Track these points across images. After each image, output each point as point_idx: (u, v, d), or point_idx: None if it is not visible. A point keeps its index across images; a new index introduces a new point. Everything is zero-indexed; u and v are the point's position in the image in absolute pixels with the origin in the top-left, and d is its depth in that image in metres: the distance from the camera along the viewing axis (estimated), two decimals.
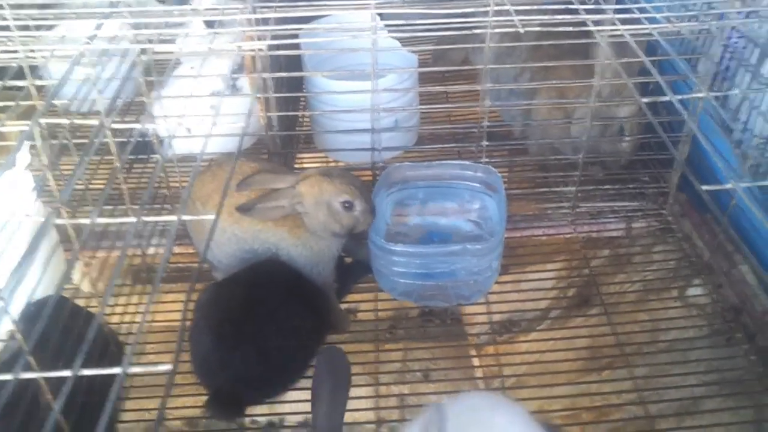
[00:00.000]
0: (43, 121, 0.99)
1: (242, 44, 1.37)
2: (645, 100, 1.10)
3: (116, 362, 1.42)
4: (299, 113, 2.17)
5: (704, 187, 0.87)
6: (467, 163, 1.73)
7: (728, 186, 0.84)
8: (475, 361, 1.77)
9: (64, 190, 0.95)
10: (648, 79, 1.28)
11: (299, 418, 1.56)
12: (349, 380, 1.26)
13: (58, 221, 1.17)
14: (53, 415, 0.68)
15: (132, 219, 0.83)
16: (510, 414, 1.11)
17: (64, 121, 1.10)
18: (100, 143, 1.53)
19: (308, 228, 1.51)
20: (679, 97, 1.04)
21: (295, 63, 1.99)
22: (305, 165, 2.09)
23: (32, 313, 1.32)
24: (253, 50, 1.53)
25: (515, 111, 2.03)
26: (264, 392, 1.42)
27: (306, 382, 1.39)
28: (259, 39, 1.45)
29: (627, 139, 1.81)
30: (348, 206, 1.47)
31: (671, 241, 1.83)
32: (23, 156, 1.52)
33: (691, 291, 1.71)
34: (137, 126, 1.26)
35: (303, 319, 1.44)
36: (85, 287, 1.62)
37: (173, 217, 0.84)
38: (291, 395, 1.47)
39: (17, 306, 1.31)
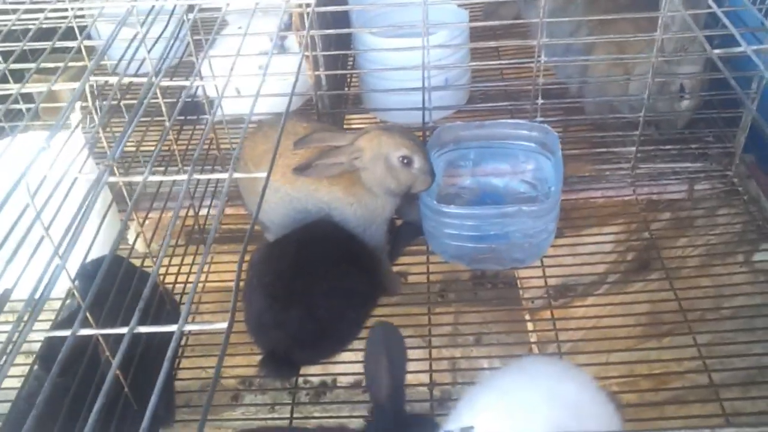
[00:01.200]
0: (92, 80, 0.97)
1: (289, 1, 1.33)
2: (718, 51, 1.03)
3: (172, 321, 1.45)
4: (348, 72, 2.13)
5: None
6: (522, 122, 1.67)
7: None
8: (530, 326, 1.74)
9: (114, 148, 0.93)
10: (717, 32, 1.20)
11: (351, 378, 1.56)
12: (405, 357, 1.22)
13: (111, 179, 1.17)
14: (112, 371, 0.67)
15: (183, 177, 0.81)
16: (577, 382, 1.08)
17: (113, 79, 1.08)
18: (149, 104, 1.53)
19: (365, 184, 1.48)
20: (755, 47, 0.97)
21: (344, 21, 1.94)
22: (354, 126, 2.06)
23: (89, 272, 1.33)
24: (300, 7, 1.49)
25: (571, 68, 1.95)
26: (317, 353, 1.41)
27: (359, 344, 1.39)
28: None
29: (687, 98, 1.72)
30: (406, 162, 1.44)
31: (737, 203, 1.75)
32: (75, 116, 1.52)
33: (758, 256, 1.63)
34: (186, 84, 1.24)
35: (355, 280, 1.43)
36: (140, 247, 1.63)
37: (225, 175, 0.82)
38: (343, 356, 1.47)
39: (74, 265, 1.33)
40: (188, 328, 0.67)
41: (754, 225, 1.68)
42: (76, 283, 1.31)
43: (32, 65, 1.15)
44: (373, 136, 1.45)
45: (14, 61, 1.21)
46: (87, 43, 1.55)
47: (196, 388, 1.53)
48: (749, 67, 1.60)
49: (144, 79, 1.10)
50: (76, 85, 1.04)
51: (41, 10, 1.33)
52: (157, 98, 1.44)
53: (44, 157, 1.05)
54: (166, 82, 1.17)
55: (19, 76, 1.32)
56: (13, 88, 1.14)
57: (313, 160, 1.43)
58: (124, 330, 0.80)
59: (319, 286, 1.37)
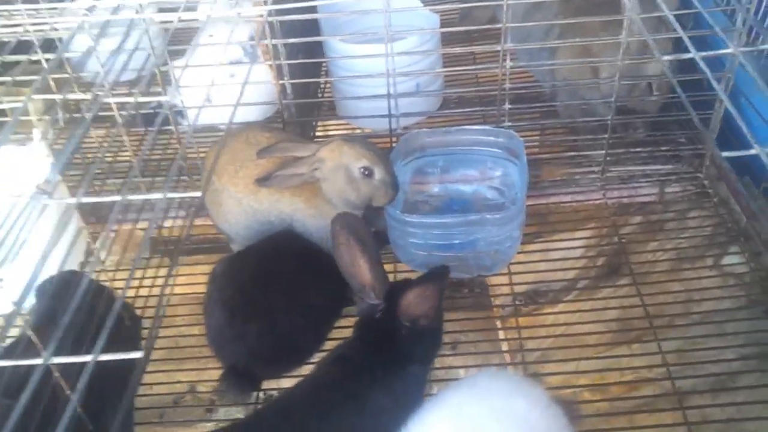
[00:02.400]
0: (36, 97, 0.96)
1: (243, 10, 1.32)
2: (667, 57, 1.02)
3: (131, 337, 1.44)
4: (319, 80, 2.12)
5: (724, 154, 0.79)
6: (488, 128, 1.66)
7: (753, 152, 0.76)
8: (501, 334, 1.73)
9: (56, 164, 0.93)
10: (673, 35, 1.19)
11: None
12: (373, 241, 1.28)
13: (68, 200, 1.16)
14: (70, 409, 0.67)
15: (159, 195, 0.80)
16: (528, 397, 1.07)
17: (58, 97, 1.08)
18: (120, 115, 1.53)
19: (325, 196, 1.47)
20: (704, 54, 0.96)
21: (314, 28, 1.93)
22: (331, 133, 2.05)
23: (47, 290, 1.33)
24: (260, 16, 1.48)
25: (545, 70, 1.94)
26: (278, 367, 1.40)
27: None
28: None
29: (655, 96, 1.71)
30: (367, 173, 1.43)
31: (707, 206, 1.74)
32: (36, 130, 1.51)
33: (728, 259, 1.62)
34: (146, 99, 1.23)
35: (318, 293, 1.41)
36: (107, 261, 1.63)
37: (197, 193, 0.82)
38: (307, 369, 1.46)
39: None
40: (102, 358, 0.66)
41: (723, 227, 1.67)
42: (31, 302, 1.32)
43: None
44: (334, 147, 1.44)
45: None
46: (55, 55, 1.55)
47: (169, 402, 1.53)
48: (718, 69, 1.59)
49: (86, 96, 1.09)
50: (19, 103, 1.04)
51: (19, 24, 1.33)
52: (125, 110, 1.44)
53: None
54: (120, 98, 1.16)
55: None
56: None
57: (274, 171, 1.42)
58: (79, 359, 0.79)
59: (280, 299, 1.36)
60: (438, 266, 1.26)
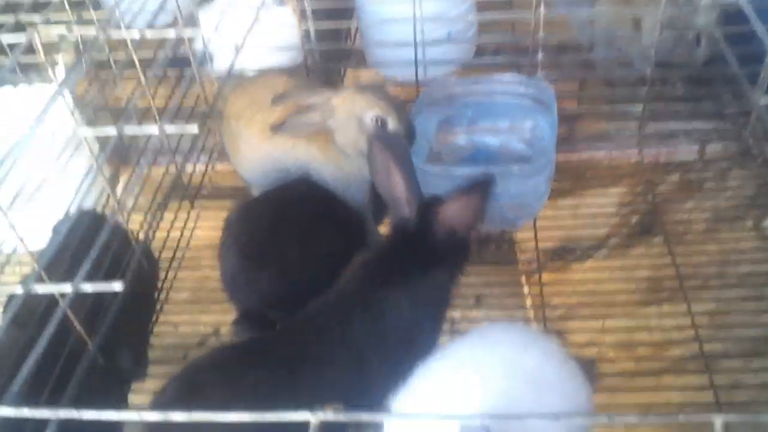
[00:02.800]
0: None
1: None
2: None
3: (148, 278, 1.44)
4: (343, 26, 2.05)
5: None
6: (519, 77, 1.59)
7: None
8: (525, 289, 1.69)
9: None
10: None
11: None
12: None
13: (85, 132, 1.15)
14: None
15: (154, 128, 0.78)
16: (540, 351, 1.03)
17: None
18: (146, 58, 1.51)
19: (339, 146, 1.43)
20: None
21: None
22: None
23: (65, 227, 1.34)
24: None
25: (584, 20, 1.84)
26: (291, 313, 1.39)
27: None
28: None
29: (702, 49, 1.61)
30: (380, 123, 1.38)
31: (750, 166, 1.66)
32: (60, 69, 1.51)
33: None
34: (172, 36, 1.20)
35: (333, 240, 1.38)
36: (128, 202, 1.63)
37: (194, 127, 0.79)
38: None
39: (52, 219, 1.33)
40: (84, 287, 0.65)
41: (766, 189, 1.58)
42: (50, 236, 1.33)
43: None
44: (346, 96, 1.39)
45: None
46: None
47: (193, 344, 1.54)
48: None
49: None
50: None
51: None
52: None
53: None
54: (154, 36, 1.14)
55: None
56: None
57: (288, 118, 1.39)
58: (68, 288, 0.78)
59: (293, 246, 1.34)
60: (482, 175, 1.21)
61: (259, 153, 1.48)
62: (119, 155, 1.66)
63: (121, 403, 1.27)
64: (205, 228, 1.69)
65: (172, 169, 1.70)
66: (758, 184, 1.61)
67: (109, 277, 1.09)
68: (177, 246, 1.61)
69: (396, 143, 1.28)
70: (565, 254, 1.68)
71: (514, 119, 1.61)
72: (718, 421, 0.51)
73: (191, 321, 1.55)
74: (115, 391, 1.26)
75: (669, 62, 1.69)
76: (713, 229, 1.56)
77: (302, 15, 1.60)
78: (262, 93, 1.45)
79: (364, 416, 0.52)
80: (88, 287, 0.84)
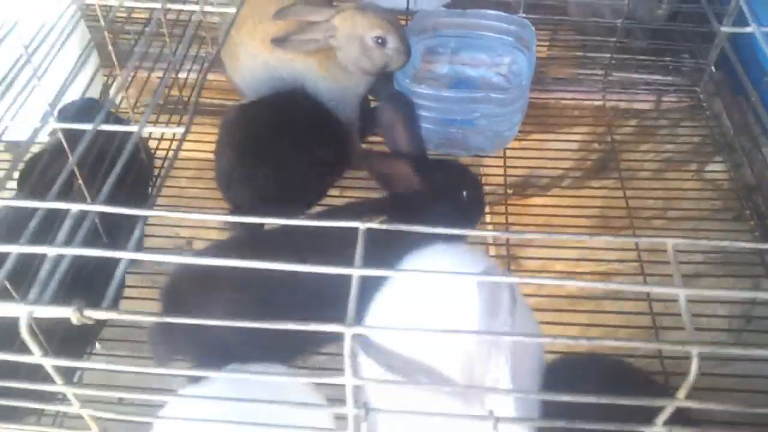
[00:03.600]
0: None
1: None
2: None
3: (146, 172, 1.51)
4: None
5: (723, 28, 0.86)
6: (503, 14, 1.70)
7: (749, 29, 0.83)
8: (487, 218, 1.82)
9: None
10: None
11: None
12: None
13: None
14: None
15: (157, 4, 0.85)
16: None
17: None
18: None
19: (340, 63, 1.52)
20: None
21: None
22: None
23: (68, 112, 1.39)
24: None
25: None
26: (282, 213, 1.48)
27: None
28: None
29: (664, 6, 1.76)
30: (380, 42, 1.47)
31: (699, 118, 1.81)
32: None
33: (710, 167, 1.71)
34: None
35: (322, 148, 1.49)
36: (122, 103, 1.67)
37: (196, 7, 0.87)
38: None
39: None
40: (147, 129, 0.73)
41: (711, 139, 1.76)
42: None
43: None
44: (347, 16, 1.47)
45: None
46: None
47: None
48: None
49: None
50: None
51: None
52: None
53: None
54: None
55: None
56: None
57: (291, 34, 1.46)
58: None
59: (287, 148, 1.44)
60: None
61: (258, 62, 1.55)
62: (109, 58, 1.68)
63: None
64: (189, 141, 1.73)
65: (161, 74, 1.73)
66: (704, 135, 1.77)
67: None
68: (165, 156, 1.66)
69: (405, 104, 1.42)
70: (527, 187, 1.83)
71: (494, 54, 1.73)
72: (670, 243, 0.65)
73: (167, 231, 1.60)
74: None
75: (634, 16, 1.83)
76: (662, 170, 1.72)
77: None
78: (265, 4, 1.51)
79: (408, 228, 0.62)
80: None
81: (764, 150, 1.64)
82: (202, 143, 1.63)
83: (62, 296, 0.59)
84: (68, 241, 0.63)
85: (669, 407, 0.63)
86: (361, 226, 0.63)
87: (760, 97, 1.60)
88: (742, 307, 1.53)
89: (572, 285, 0.67)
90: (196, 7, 0.89)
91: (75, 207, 0.65)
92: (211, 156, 1.52)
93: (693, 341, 0.60)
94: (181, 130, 0.78)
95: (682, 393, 0.61)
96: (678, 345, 0.61)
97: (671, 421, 0.64)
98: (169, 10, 0.91)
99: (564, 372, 1.07)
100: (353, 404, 0.63)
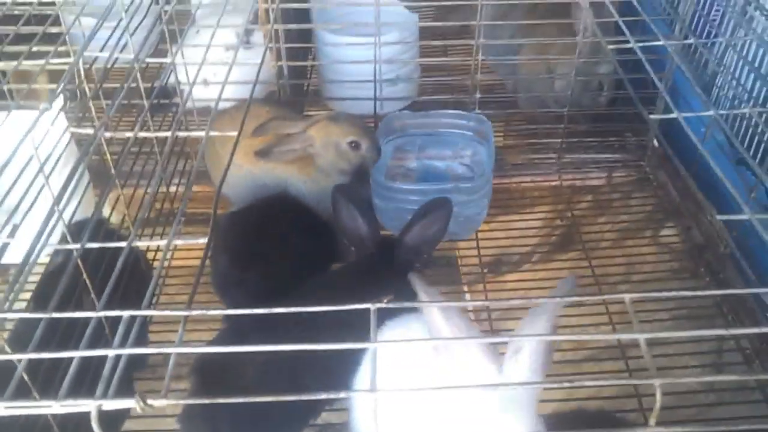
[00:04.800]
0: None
1: None
2: (611, 46, 1.25)
3: (145, 277, 1.60)
4: (308, 63, 2.31)
5: (653, 116, 1.02)
6: (461, 112, 1.89)
7: (672, 115, 0.99)
8: (468, 297, 1.94)
9: (108, 110, 1.10)
10: (621, 39, 1.41)
11: None
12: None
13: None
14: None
15: (163, 133, 0.98)
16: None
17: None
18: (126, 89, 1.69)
19: (319, 167, 1.67)
20: (642, 44, 1.19)
21: (306, 18, 2.13)
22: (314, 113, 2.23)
23: (73, 231, 1.49)
24: (266, 3, 1.67)
25: (509, 66, 2.18)
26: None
27: None
28: None
29: (605, 94, 1.97)
30: (355, 146, 1.64)
31: (648, 189, 2.00)
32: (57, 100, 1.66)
33: (664, 232, 1.88)
34: (165, 62, 1.39)
35: (309, 246, 1.61)
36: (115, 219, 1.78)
37: (201, 133, 1.00)
38: None
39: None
40: (176, 242, 0.84)
41: (661, 207, 1.94)
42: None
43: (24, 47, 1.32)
44: (322, 126, 1.65)
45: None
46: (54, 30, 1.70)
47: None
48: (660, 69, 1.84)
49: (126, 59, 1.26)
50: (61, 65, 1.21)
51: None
52: (137, 81, 1.60)
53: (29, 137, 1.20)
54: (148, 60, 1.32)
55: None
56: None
57: (272, 146, 1.62)
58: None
59: (276, 249, 1.55)
60: (439, 197, 1.51)
61: (242, 172, 1.70)
62: (101, 178, 1.80)
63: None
64: (178, 252, 1.80)
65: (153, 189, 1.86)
66: (654, 203, 1.96)
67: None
68: (162, 257, 1.74)
69: (356, 192, 1.57)
70: (500, 266, 1.96)
71: (456, 147, 1.90)
72: (627, 297, 0.77)
73: (163, 339, 1.66)
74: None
75: (579, 104, 2.04)
76: (621, 239, 1.88)
77: (278, 54, 1.84)
78: (246, 120, 1.67)
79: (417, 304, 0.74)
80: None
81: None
82: (192, 250, 1.74)
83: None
84: (122, 343, 0.73)
85: None
86: (372, 307, 0.74)
87: (698, 167, 1.79)
88: (710, 356, 1.65)
89: (553, 338, 0.78)
90: (201, 134, 1.02)
91: (127, 314, 0.75)
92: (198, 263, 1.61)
93: (654, 375, 0.71)
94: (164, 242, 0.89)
95: (652, 420, 0.72)
96: (644, 379, 0.72)
97: None
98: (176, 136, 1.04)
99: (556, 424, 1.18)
100: None
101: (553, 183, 2.05)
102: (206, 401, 0.74)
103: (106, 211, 1.84)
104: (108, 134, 1.02)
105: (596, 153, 2.08)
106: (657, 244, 1.85)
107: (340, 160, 1.65)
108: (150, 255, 1.75)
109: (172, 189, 1.90)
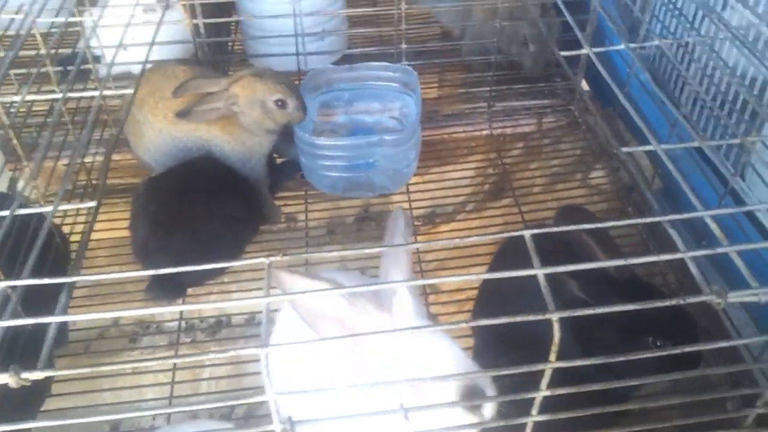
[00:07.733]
0: None
1: None
2: None
3: (61, 256, 1.55)
4: (226, 20, 2.22)
5: (563, 53, 1.01)
6: (387, 64, 1.85)
7: (584, 51, 0.98)
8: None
9: None
10: None
11: (245, 317, 1.71)
12: None
13: None
14: None
15: (58, 95, 0.93)
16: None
17: None
18: (33, 57, 1.61)
19: (243, 126, 1.62)
20: None
21: None
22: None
23: None
24: None
25: (453, 13, 2.14)
26: (200, 274, 1.54)
27: (250, 283, 1.57)
28: None
29: (531, 44, 1.97)
30: (281, 104, 1.59)
31: (577, 133, 2.01)
32: None
33: (593, 174, 1.89)
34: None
35: (235, 208, 1.57)
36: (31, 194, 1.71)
37: (95, 93, 0.95)
38: (236, 295, 1.61)
39: None
40: (62, 208, 0.80)
41: (589, 150, 1.95)
42: None
43: None
44: (246, 83, 1.58)
45: None
46: None
47: (94, 336, 1.63)
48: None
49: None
50: None
51: None
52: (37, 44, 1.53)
53: None
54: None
55: None
56: None
57: (193, 106, 1.56)
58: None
59: (200, 212, 1.51)
60: None
61: (163, 136, 1.64)
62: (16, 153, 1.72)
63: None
64: (102, 221, 1.72)
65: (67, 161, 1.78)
66: (583, 147, 1.97)
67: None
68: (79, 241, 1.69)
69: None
70: (434, 218, 1.96)
71: (384, 100, 1.87)
72: (527, 232, 0.77)
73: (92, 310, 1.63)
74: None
75: (509, 52, 2.02)
76: (551, 184, 1.89)
77: (192, 11, 1.77)
78: (162, 81, 1.61)
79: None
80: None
81: (635, 153, 1.82)
82: (116, 221, 1.68)
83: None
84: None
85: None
86: (266, 261, 0.72)
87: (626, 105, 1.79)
88: None
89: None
90: (95, 93, 0.97)
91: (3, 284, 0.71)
92: (125, 234, 1.58)
93: (552, 310, 0.71)
94: (93, 203, 0.85)
95: (553, 356, 0.72)
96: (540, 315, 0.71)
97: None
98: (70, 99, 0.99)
99: None
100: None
101: (485, 132, 2.04)
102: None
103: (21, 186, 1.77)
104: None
105: (526, 99, 2.07)
106: (587, 186, 1.87)
107: (265, 118, 1.60)
108: (66, 229, 1.68)
109: (89, 160, 1.82)
